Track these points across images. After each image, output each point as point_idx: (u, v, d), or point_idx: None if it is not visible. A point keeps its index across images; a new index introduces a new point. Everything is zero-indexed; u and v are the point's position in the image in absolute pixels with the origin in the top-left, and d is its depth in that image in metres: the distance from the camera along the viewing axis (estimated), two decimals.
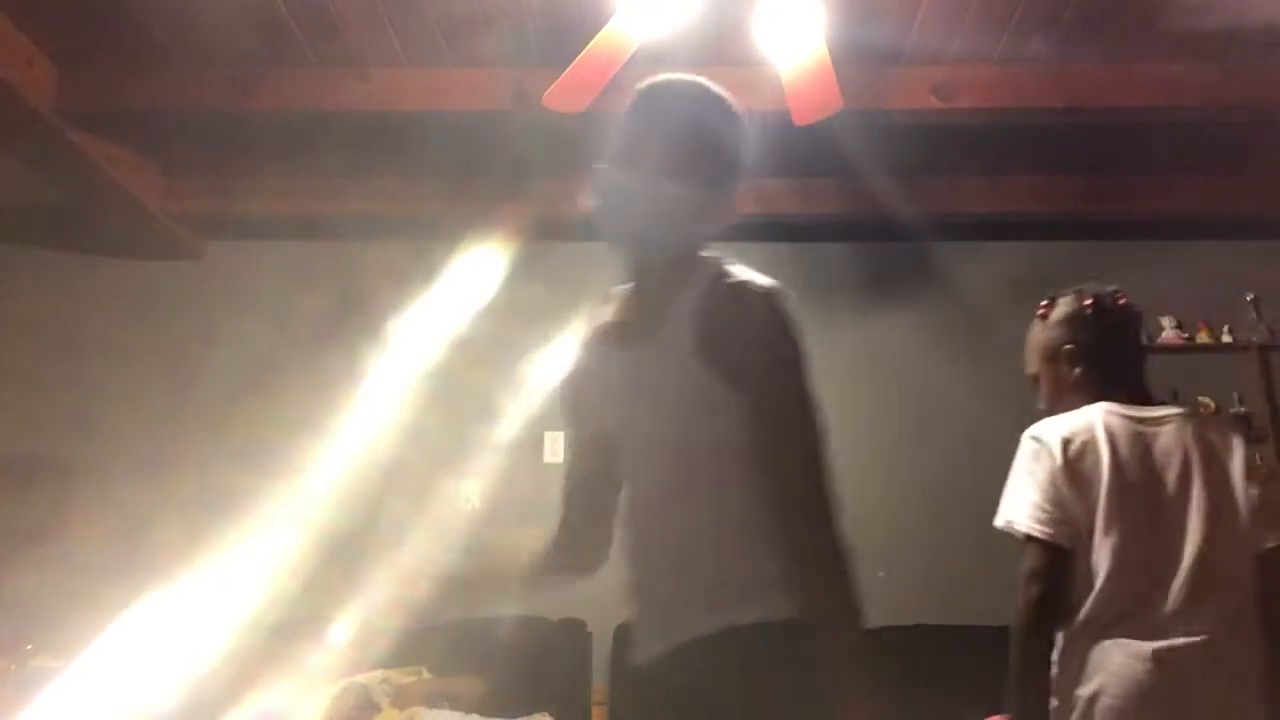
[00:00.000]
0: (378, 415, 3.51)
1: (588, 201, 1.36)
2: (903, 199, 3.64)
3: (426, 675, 3.09)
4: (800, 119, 2.61)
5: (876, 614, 3.88)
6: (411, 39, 2.98)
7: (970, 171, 3.79)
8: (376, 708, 2.86)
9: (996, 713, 2.56)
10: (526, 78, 2.98)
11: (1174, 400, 3.89)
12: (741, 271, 1.30)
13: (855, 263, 4.03)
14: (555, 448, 3.69)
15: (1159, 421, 1.71)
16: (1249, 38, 2.94)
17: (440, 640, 3.05)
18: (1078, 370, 1.79)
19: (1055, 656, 1.67)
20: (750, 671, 1.18)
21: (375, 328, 3.68)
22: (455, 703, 2.90)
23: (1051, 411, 1.79)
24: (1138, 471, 1.65)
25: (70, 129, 3.14)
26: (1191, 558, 1.60)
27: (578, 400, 1.46)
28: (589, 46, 2.37)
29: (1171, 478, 1.66)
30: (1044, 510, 1.64)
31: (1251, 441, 3.83)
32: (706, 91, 1.38)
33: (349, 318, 3.71)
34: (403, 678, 3.03)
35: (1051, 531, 1.63)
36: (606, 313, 1.44)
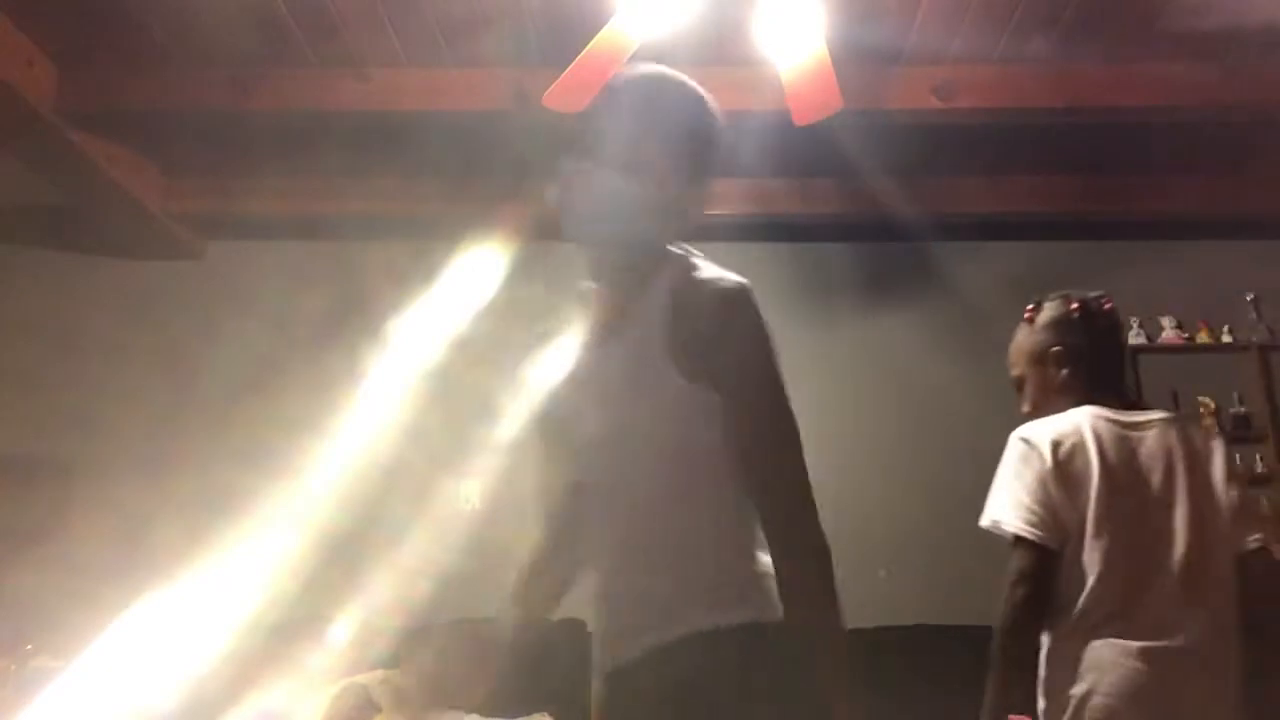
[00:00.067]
0: (378, 415, 3.51)
1: (551, 198, 1.32)
2: (903, 199, 3.64)
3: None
4: (800, 119, 2.61)
5: (876, 614, 3.88)
6: (411, 39, 2.98)
7: (970, 171, 3.79)
8: (376, 708, 2.86)
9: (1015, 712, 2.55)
10: (526, 78, 2.98)
11: (1174, 400, 3.92)
12: (709, 269, 1.28)
13: (855, 263, 4.03)
14: None
15: (1143, 426, 1.73)
16: (1249, 38, 2.94)
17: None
18: (1064, 373, 1.81)
19: (1043, 657, 1.69)
20: (732, 674, 1.16)
21: (375, 328, 3.68)
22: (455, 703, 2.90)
23: (1036, 413, 1.81)
24: (1125, 474, 1.67)
25: (70, 129, 3.14)
26: (1179, 559, 1.63)
27: (548, 404, 1.41)
28: (589, 46, 2.37)
29: (1157, 480, 1.68)
30: (1033, 512, 1.65)
31: (1251, 441, 3.87)
32: (678, 87, 1.33)
33: (349, 318, 3.71)
34: (403, 678, 3.02)
35: (1041, 533, 1.64)
36: (574, 312, 1.41)
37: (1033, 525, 1.64)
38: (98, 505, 3.46)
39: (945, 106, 3.09)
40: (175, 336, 3.86)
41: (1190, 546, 1.63)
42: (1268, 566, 1.69)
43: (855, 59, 2.93)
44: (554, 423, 1.37)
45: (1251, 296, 3.97)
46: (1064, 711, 1.62)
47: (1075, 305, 1.83)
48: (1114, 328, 1.85)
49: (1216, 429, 3.90)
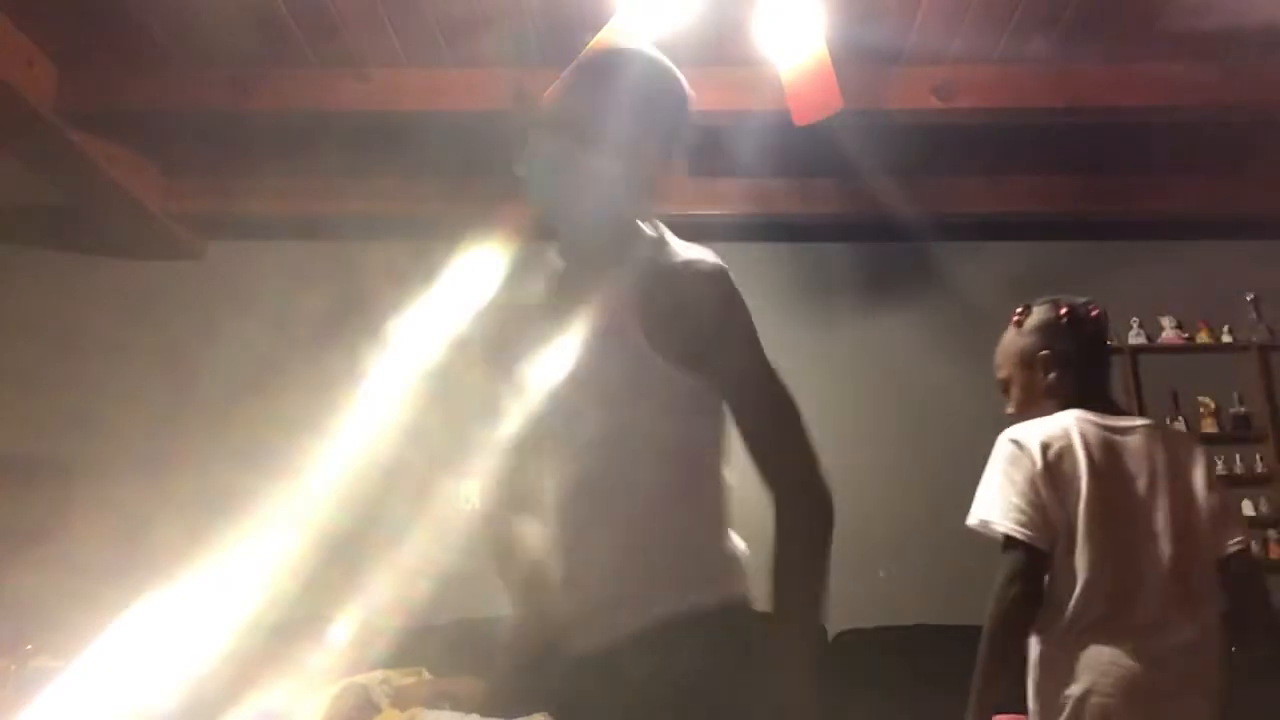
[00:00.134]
0: (378, 415, 3.51)
1: (521, 172, 1.31)
2: (903, 199, 3.64)
3: (426, 675, 3.09)
4: (800, 119, 2.61)
5: (876, 614, 3.87)
6: (411, 39, 2.98)
7: (970, 171, 3.79)
8: (376, 708, 2.86)
9: (998, 713, 2.55)
10: (526, 78, 2.98)
11: (1174, 400, 3.92)
12: (681, 248, 1.27)
13: (855, 263, 4.03)
14: None
15: (1127, 431, 1.75)
16: (1249, 38, 2.94)
17: (440, 640, 3.05)
18: (1051, 376, 1.82)
19: (1034, 660, 1.70)
20: (714, 661, 1.16)
21: (375, 328, 3.68)
22: (455, 703, 2.90)
23: (1020, 415, 1.83)
24: (1113, 477, 1.70)
25: (70, 129, 3.14)
26: (1167, 561, 1.65)
27: (516, 374, 1.36)
28: (589, 46, 2.37)
29: (1142, 484, 1.70)
30: (1023, 512, 1.67)
31: (1251, 441, 3.87)
32: (647, 61, 1.31)
33: (349, 318, 3.71)
34: (403, 678, 3.02)
35: (1031, 534, 1.66)
36: (539, 283, 1.39)
37: (1022, 525, 1.66)
38: (98, 505, 3.46)
39: (945, 106, 3.09)
40: (175, 336, 3.86)
41: (1176, 548, 1.65)
42: (1249, 567, 1.72)
43: (855, 59, 2.93)
44: (521, 393, 1.34)
45: (1251, 296, 3.97)
46: (1060, 713, 1.63)
47: (1064, 311, 1.85)
48: (1100, 334, 1.87)
49: (1214, 429, 3.91)
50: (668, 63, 1.32)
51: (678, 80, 1.32)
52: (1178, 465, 1.73)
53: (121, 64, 3.10)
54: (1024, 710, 1.73)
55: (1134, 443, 1.73)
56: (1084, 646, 1.63)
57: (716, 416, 1.26)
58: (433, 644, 3.04)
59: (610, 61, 1.32)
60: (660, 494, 1.23)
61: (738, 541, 1.27)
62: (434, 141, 3.28)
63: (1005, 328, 1.93)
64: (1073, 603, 1.64)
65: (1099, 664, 1.61)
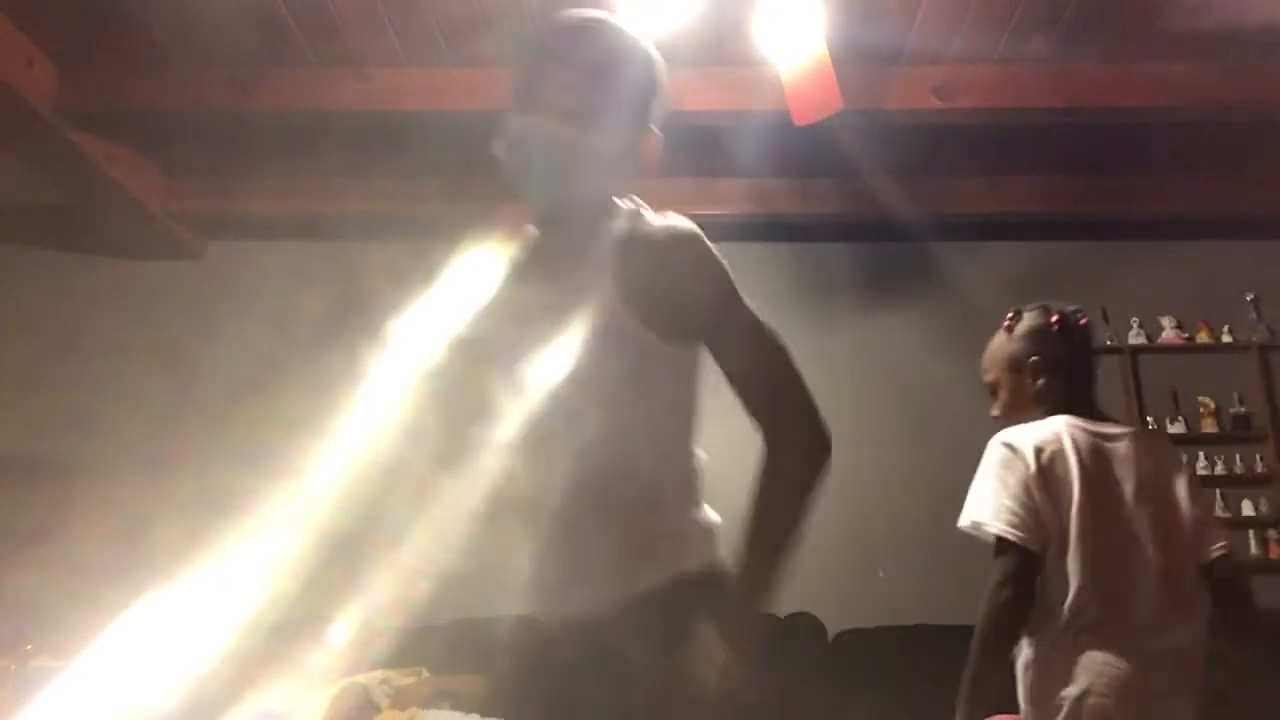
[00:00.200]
0: (378, 415, 3.50)
1: (498, 152, 1.30)
2: (903, 199, 3.64)
3: (426, 675, 3.09)
4: (800, 119, 2.61)
5: (876, 614, 3.87)
6: (411, 39, 2.98)
7: (970, 171, 3.79)
8: (376, 708, 2.87)
9: (998, 713, 2.56)
10: None
11: (1174, 400, 3.92)
12: (657, 216, 1.27)
13: (855, 263, 4.03)
14: None
15: (1115, 437, 1.78)
16: (1249, 38, 2.94)
17: (440, 640, 3.05)
18: (1040, 382, 1.84)
19: (1027, 662, 1.71)
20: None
21: (375, 328, 3.68)
22: (455, 701, 2.90)
23: (1007, 419, 1.86)
24: (1103, 482, 1.72)
25: (70, 129, 3.14)
26: (1157, 565, 1.67)
27: (486, 346, 1.36)
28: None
29: (1130, 490, 1.73)
30: (1016, 514, 1.68)
31: (1251, 441, 3.87)
32: (614, 31, 1.29)
33: (349, 318, 3.70)
34: (403, 678, 3.03)
35: (1024, 536, 1.67)
36: (511, 253, 1.38)
37: (1015, 527, 1.68)
38: (98, 505, 3.46)
39: (945, 106, 3.09)
40: (175, 336, 3.86)
41: (1164, 553, 1.68)
42: (1232, 570, 1.75)
43: (855, 59, 2.93)
44: (493, 365, 1.33)
45: (1251, 296, 3.97)
46: (1057, 713, 1.64)
47: (1055, 318, 1.88)
48: (1088, 342, 1.91)
49: (1214, 429, 3.91)
50: (634, 30, 1.30)
51: (644, 47, 1.30)
52: (1163, 472, 1.77)
53: (121, 64, 3.10)
54: (1012, 711, 1.75)
55: (1122, 449, 1.76)
56: (1080, 648, 1.65)
57: (694, 388, 1.26)
58: (433, 644, 3.05)
59: (577, 33, 1.30)
60: (637, 464, 1.22)
61: (710, 513, 1.27)
62: (434, 141, 3.27)
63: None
64: (1067, 605, 1.65)
65: (1095, 665, 1.63)
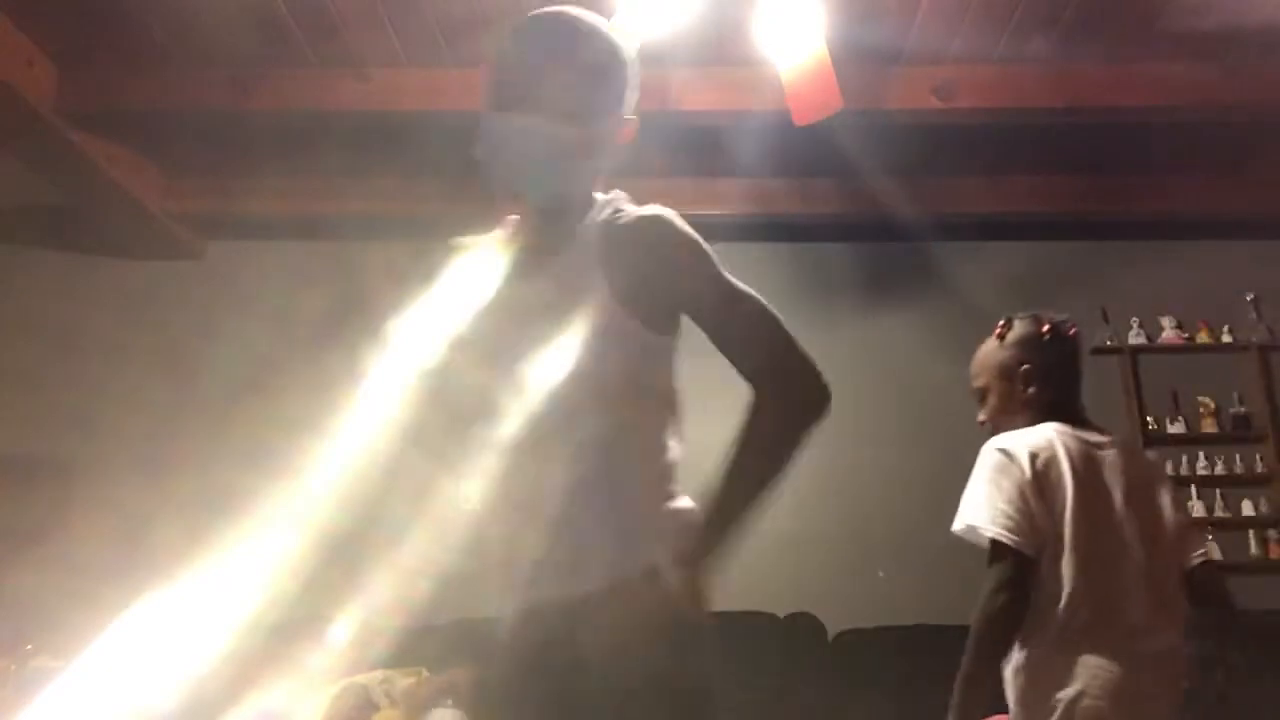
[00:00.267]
0: (378, 415, 3.50)
1: (477, 153, 1.30)
2: (903, 199, 3.64)
3: (426, 675, 3.09)
4: (800, 119, 2.61)
5: (876, 614, 3.86)
6: (411, 39, 2.98)
7: (970, 171, 3.79)
8: (376, 708, 2.87)
9: (997, 713, 2.57)
10: None
11: (1174, 400, 3.92)
12: (634, 207, 1.28)
13: (855, 263, 4.03)
14: None
15: (1103, 446, 1.81)
16: (1249, 38, 2.94)
17: (440, 640, 3.05)
18: (1031, 390, 1.87)
19: (1019, 666, 1.72)
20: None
21: (375, 328, 3.68)
22: (458, 698, 2.90)
23: (995, 426, 1.88)
24: (1095, 488, 1.74)
25: (70, 129, 3.15)
26: (1145, 570, 1.70)
27: (470, 340, 1.38)
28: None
29: (1119, 497, 1.75)
30: (1011, 519, 1.70)
31: (1251, 441, 3.87)
32: (580, 23, 1.30)
33: (349, 318, 3.70)
34: (403, 678, 3.03)
35: (1019, 539, 1.68)
36: (509, 252, 1.38)
37: (1010, 531, 1.69)
38: (98, 505, 3.46)
39: (945, 106, 3.09)
40: (175, 336, 3.86)
41: (1151, 559, 1.71)
42: (1212, 576, 1.79)
43: (855, 59, 2.93)
44: (493, 365, 1.33)
45: (1251, 296, 3.97)
46: (1051, 715, 1.65)
47: (1046, 327, 1.90)
48: (1077, 351, 1.93)
49: (1214, 429, 3.91)
50: (599, 20, 1.31)
51: (614, 36, 1.31)
52: (1148, 481, 1.81)
53: (121, 64, 3.10)
54: (1002, 712, 1.76)
55: (1110, 457, 1.79)
56: (1074, 652, 1.66)
57: (675, 378, 1.28)
58: (433, 644, 3.04)
59: (544, 28, 1.31)
60: (625, 454, 1.24)
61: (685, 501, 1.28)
62: (434, 141, 3.27)
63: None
64: (1061, 609, 1.67)
65: (1089, 668, 1.64)
